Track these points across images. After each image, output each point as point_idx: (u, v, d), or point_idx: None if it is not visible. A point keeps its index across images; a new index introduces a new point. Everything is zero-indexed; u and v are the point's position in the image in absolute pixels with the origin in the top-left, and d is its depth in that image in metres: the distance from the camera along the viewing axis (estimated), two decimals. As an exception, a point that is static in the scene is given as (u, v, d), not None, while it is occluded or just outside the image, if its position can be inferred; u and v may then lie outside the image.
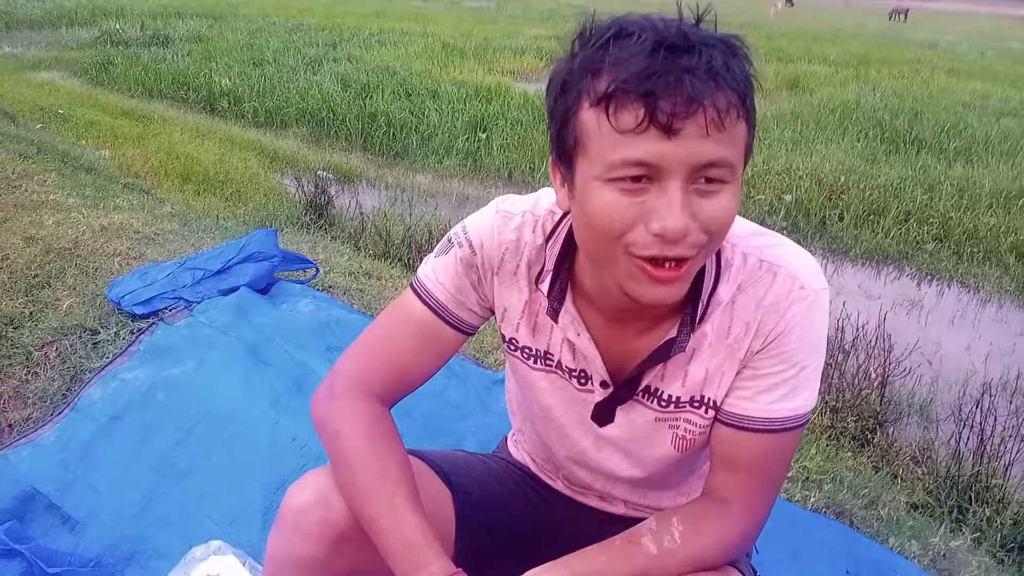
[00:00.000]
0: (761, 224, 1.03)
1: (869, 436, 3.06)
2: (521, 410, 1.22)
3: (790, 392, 0.96)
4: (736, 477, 0.99)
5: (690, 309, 0.96)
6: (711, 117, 0.79)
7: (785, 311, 0.94)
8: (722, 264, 0.96)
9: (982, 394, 2.92)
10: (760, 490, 0.99)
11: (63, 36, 12.65)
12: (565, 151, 0.87)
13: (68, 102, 7.67)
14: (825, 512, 1.80)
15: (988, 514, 2.52)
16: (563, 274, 0.99)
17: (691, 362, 0.99)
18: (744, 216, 1.02)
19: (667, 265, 0.84)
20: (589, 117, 0.83)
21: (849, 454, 2.73)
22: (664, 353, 0.98)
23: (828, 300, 0.96)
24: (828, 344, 3.49)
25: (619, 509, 1.21)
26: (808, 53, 12.11)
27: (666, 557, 0.96)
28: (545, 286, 1.00)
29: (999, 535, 2.44)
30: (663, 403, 1.02)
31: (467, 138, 7.02)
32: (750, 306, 0.95)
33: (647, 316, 0.98)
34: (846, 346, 3.44)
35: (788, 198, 5.52)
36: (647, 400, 1.03)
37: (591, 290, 0.98)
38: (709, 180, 0.82)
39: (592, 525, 1.18)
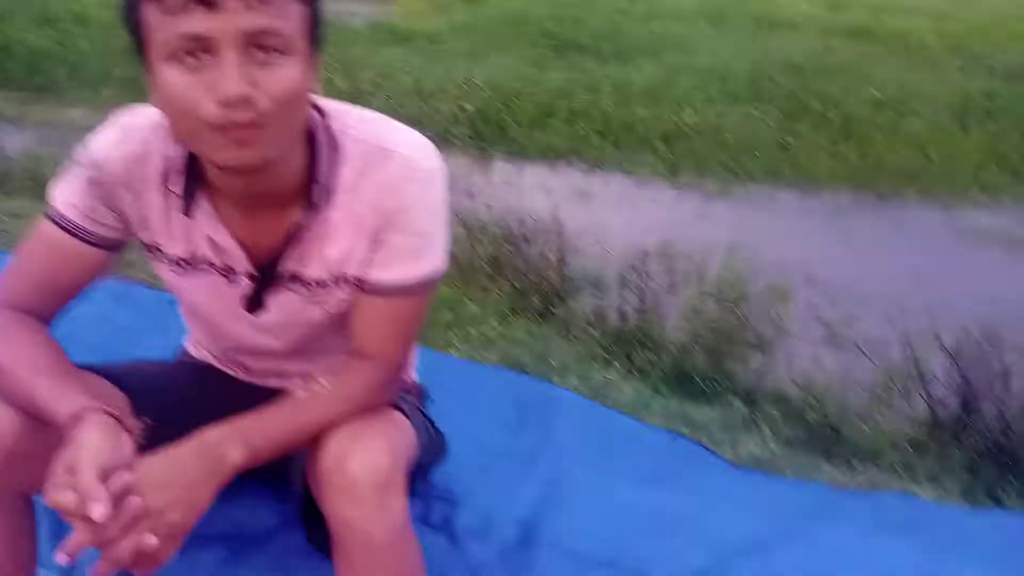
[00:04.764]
0: (446, 133, 1.14)
1: (553, 311, 3.39)
2: (185, 311, 1.27)
3: (416, 259, 1.09)
4: (373, 336, 1.12)
5: (309, 192, 1.04)
6: None
7: (403, 190, 1.05)
8: (336, 149, 1.05)
9: (640, 261, 3.35)
10: (396, 341, 1.13)
11: None
12: (140, 50, 0.93)
13: None
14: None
15: (651, 358, 2.93)
16: (192, 171, 1.04)
17: (326, 245, 1.08)
18: (429, 127, 1.11)
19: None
20: (146, 10, 0.90)
21: (535, 327, 3.00)
22: (294, 236, 1.06)
23: (442, 176, 1.09)
24: (510, 234, 3.75)
25: (298, 386, 1.26)
26: (477, -32, 12.43)
27: (317, 397, 1.08)
28: (176, 185, 1.05)
29: (661, 373, 2.85)
30: (308, 286, 1.12)
31: (125, 65, 6.37)
32: (371, 187, 1.05)
33: (272, 202, 1.05)
34: (527, 235, 3.73)
35: (468, 107, 5.72)
36: (292, 286, 1.12)
37: (217, 182, 1.03)
38: (266, 52, 0.89)
39: None
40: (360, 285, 1.11)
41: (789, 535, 1.48)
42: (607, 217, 4.42)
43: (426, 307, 1.15)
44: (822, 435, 2.48)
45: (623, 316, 3.14)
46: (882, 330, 2.99)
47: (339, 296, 1.13)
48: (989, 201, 4.87)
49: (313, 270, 1.10)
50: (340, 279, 1.11)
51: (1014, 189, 4.99)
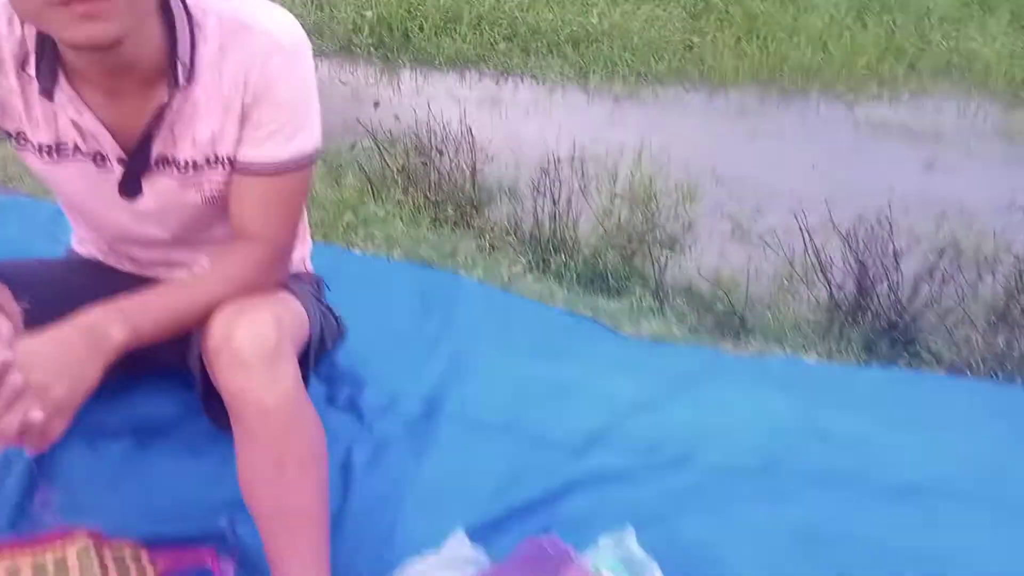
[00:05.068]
0: (348, 43, 1.10)
1: (470, 221, 3.39)
2: (65, 205, 1.24)
3: (288, 136, 1.08)
4: (254, 216, 1.12)
5: (172, 71, 1.03)
6: None
7: (267, 64, 1.04)
8: (196, 26, 1.03)
9: (552, 166, 3.36)
10: (276, 222, 1.13)
11: None
12: None
13: None
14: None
15: (565, 261, 2.98)
16: (47, 53, 1.00)
17: (195, 125, 1.07)
18: (329, 38, 1.07)
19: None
20: None
21: (454, 236, 3.01)
22: (160, 117, 1.05)
23: (308, 50, 1.08)
24: (420, 146, 3.71)
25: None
26: None
27: (200, 279, 1.09)
28: (32, 68, 1.01)
29: (575, 275, 2.91)
30: (181, 169, 1.10)
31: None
32: (234, 64, 1.04)
33: (134, 83, 1.03)
34: (438, 145, 3.68)
35: (369, 14, 5.52)
36: (166, 169, 1.10)
37: (75, 63, 1.00)
38: None
39: None
40: (234, 165, 1.11)
41: (678, 394, 1.57)
42: (518, 124, 4.40)
43: (305, 186, 1.15)
44: (728, 324, 2.59)
45: (538, 222, 3.17)
46: (786, 222, 3.10)
47: (214, 179, 1.12)
48: (888, 94, 5.03)
49: (184, 152, 1.09)
50: (213, 160, 1.11)
51: (911, 82, 5.16)
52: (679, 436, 1.46)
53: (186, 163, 1.10)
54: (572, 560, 1.08)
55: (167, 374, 1.36)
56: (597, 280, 2.92)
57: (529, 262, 2.94)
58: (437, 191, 3.42)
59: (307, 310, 1.20)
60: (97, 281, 1.26)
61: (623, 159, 3.87)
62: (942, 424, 1.56)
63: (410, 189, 3.41)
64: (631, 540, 1.12)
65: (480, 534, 1.22)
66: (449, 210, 3.31)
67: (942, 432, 1.53)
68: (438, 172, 3.53)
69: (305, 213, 1.35)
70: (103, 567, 1.06)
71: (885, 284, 2.73)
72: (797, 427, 1.51)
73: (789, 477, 1.39)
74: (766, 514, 1.33)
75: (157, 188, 1.12)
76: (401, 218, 2.50)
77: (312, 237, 1.49)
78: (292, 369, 1.07)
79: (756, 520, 1.32)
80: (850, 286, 2.78)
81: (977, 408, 1.64)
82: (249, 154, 1.09)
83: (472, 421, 1.47)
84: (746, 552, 1.26)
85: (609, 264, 2.97)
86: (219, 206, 1.16)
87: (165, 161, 1.10)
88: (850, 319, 2.70)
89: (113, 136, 1.06)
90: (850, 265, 2.81)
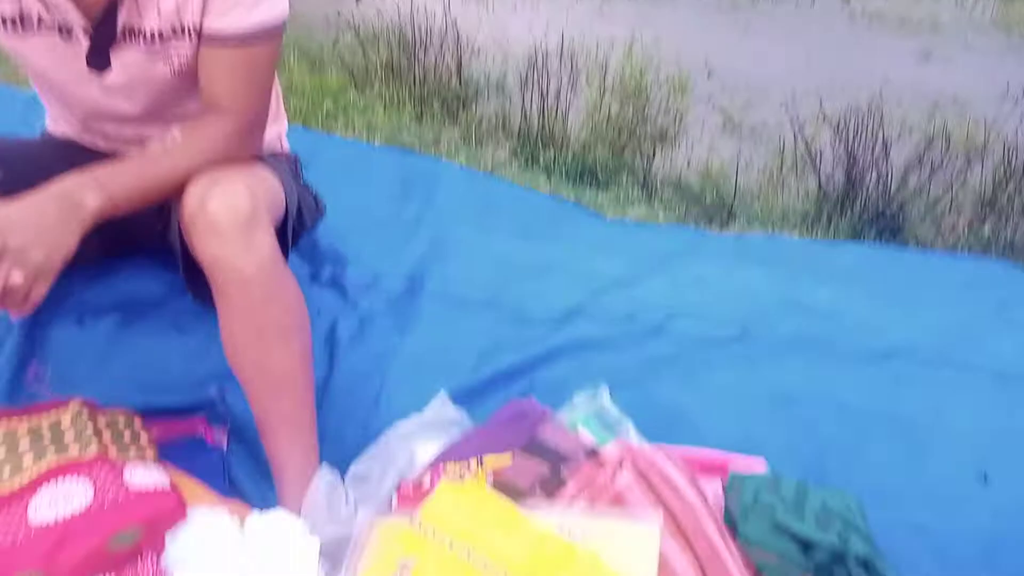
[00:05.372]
0: None
1: (456, 116, 3.34)
2: (36, 83, 1.23)
3: (252, 4, 1.07)
4: (223, 88, 1.12)
5: None
6: None
7: None
8: None
9: (541, 60, 3.29)
10: (246, 93, 1.13)
11: None
12: None
13: None
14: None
15: (554, 155, 2.95)
16: None
17: None
18: None
19: None
20: None
21: (436, 127, 2.98)
22: None
23: None
24: (405, 40, 3.62)
25: None
26: None
27: (172, 150, 1.11)
28: None
29: (564, 170, 2.89)
30: (148, 40, 1.10)
31: None
32: None
33: None
34: (422, 40, 3.60)
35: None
36: (133, 41, 1.10)
37: None
38: None
39: None
40: (200, 36, 1.10)
41: (657, 270, 1.59)
42: (506, 18, 4.29)
43: (273, 58, 1.15)
44: (716, 215, 2.60)
45: (526, 117, 3.13)
46: (777, 115, 3.07)
47: (182, 51, 1.12)
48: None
49: (150, 22, 1.09)
50: (179, 30, 1.10)
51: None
52: (657, 307, 1.49)
53: (152, 34, 1.09)
54: (549, 417, 1.12)
55: (151, 254, 1.37)
56: (586, 174, 2.91)
57: (515, 150, 2.91)
58: (422, 86, 3.36)
59: (283, 184, 1.21)
60: (72, 159, 1.25)
61: (613, 52, 3.79)
62: (918, 295, 1.59)
63: (394, 84, 3.35)
64: (605, 396, 1.15)
65: (462, 400, 1.26)
66: (435, 105, 3.26)
67: (918, 302, 1.56)
68: (423, 67, 3.46)
69: (278, 89, 1.34)
70: (97, 431, 1.09)
71: (874, 174, 2.72)
72: (774, 299, 1.53)
73: (763, 345, 1.43)
74: (739, 379, 1.37)
75: (125, 60, 1.11)
76: (384, 106, 2.46)
77: (290, 123, 1.48)
78: (268, 238, 1.08)
79: (729, 385, 1.36)
80: (839, 176, 2.77)
81: (955, 281, 1.67)
82: (214, 23, 1.08)
83: (454, 298, 1.49)
84: (719, 414, 1.30)
85: (599, 158, 2.95)
86: (189, 79, 1.15)
87: (132, 32, 1.09)
88: (838, 209, 2.71)
89: (76, 6, 1.05)
90: (839, 155, 2.80)
